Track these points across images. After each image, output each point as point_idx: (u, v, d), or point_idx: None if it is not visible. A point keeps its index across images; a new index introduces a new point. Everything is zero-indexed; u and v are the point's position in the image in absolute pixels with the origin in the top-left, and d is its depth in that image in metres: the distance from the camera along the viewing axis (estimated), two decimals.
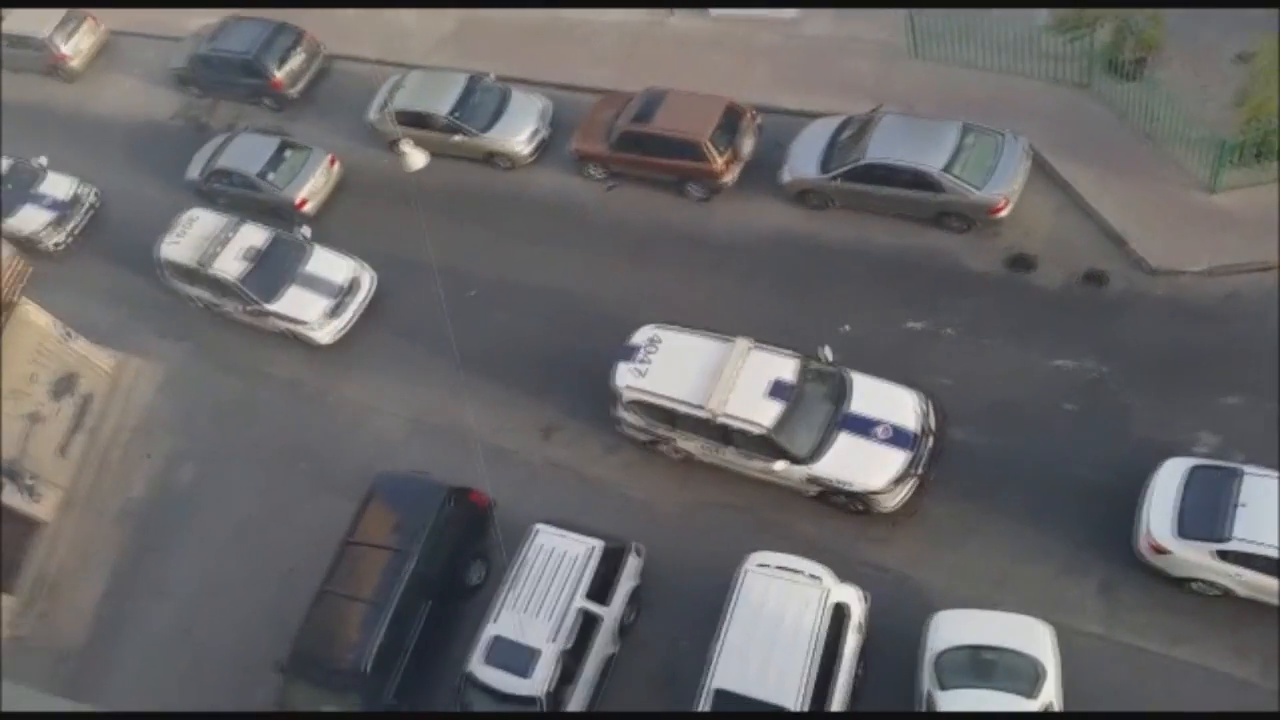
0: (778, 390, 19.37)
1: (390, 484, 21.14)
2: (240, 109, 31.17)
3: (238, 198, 27.90)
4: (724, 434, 19.58)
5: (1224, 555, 16.57)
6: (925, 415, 19.38)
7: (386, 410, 23.92)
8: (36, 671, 22.14)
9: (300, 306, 24.71)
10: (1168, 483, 17.45)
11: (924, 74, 24.98)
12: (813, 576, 17.89)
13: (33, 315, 24.38)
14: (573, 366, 22.87)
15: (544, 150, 27.05)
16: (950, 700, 16.39)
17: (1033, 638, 16.72)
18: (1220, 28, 22.80)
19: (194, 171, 28.90)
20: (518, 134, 26.72)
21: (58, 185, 29.52)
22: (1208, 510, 16.81)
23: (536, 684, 18.14)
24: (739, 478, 20.40)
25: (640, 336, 20.98)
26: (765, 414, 19.13)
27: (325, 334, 24.84)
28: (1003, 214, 21.88)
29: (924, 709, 16.71)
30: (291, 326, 24.91)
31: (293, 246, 25.44)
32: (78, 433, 25.26)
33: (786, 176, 23.85)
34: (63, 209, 29.21)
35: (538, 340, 23.71)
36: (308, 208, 27.49)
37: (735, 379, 19.49)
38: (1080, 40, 22.79)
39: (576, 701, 18.61)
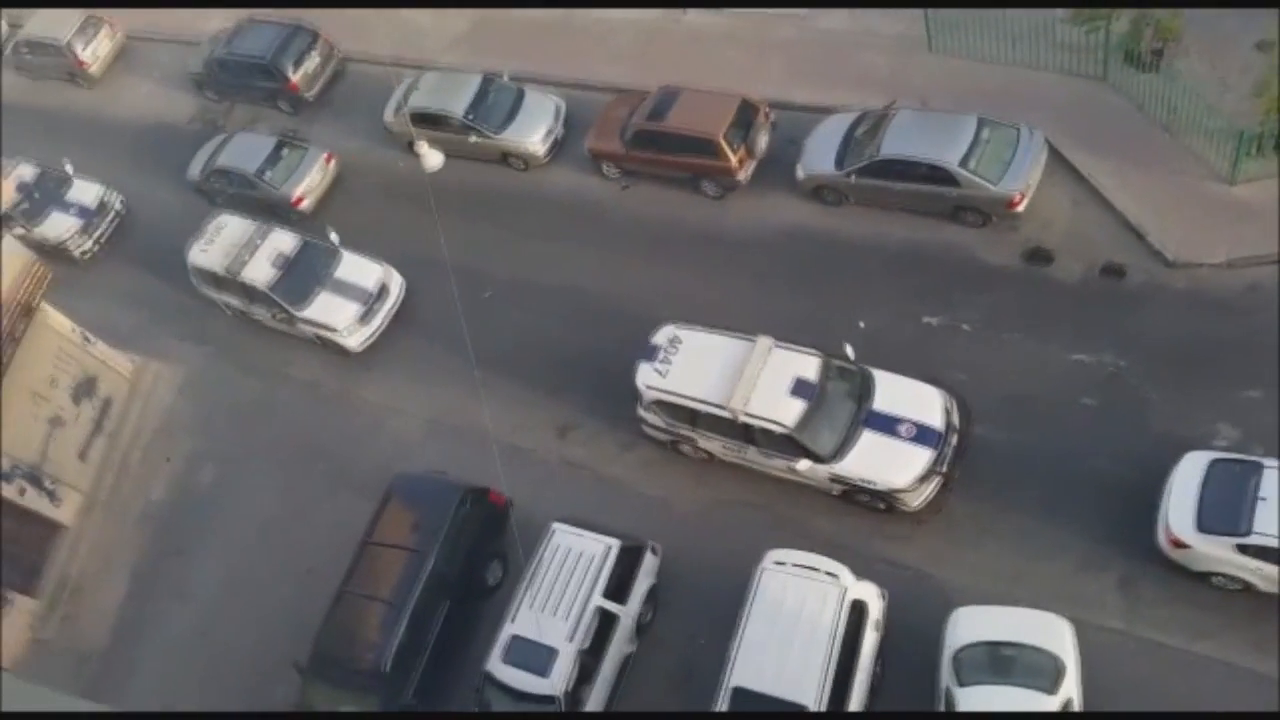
0: (800, 389, 19.28)
1: (408, 484, 21.22)
2: (257, 111, 31.35)
3: (236, 196, 28.19)
4: (746, 433, 19.52)
5: (1245, 549, 16.42)
6: (950, 412, 19.25)
7: (404, 410, 24.01)
8: (59, 673, 22.37)
9: (330, 312, 24.67)
10: (1187, 477, 17.30)
11: (939, 68, 24.85)
12: (830, 574, 17.84)
13: (52, 320, 24.56)
14: (589, 365, 22.89)
15: (559, 149, 27.06)
16: (969, 697, 16.31)
17: (1052, 633, 16.61)
18: (1240, 17, 22.52)
19: (194, 170, 29.22)
20: (532, 134, 26.75)
21: (85, 192, 29.68)
22: (1228, 504, 16.65)
23: (555, 683, 18.15)
24: (756, 476, 20.37)
25: (661, 336, 20.94)
26: (788, 413, 19.06)
27: (355, 340, 24.82)
28: (1020, 208, 21.74)
29: (943, 706, 16.65)
30: (322, 333, 24.94)
31: (322, 252, 25.39)
32: (98, 436, 25.46)
33: (802, 173, 23.79)
34: (90, 216, 29.38)
35: (553, 339, 23.74)
36: (304, 204, 27.77)
37: (757, 378, 19.41)
38: (1096, 32, 22.62)
39: (595, 700, 18.64)
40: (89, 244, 29.36)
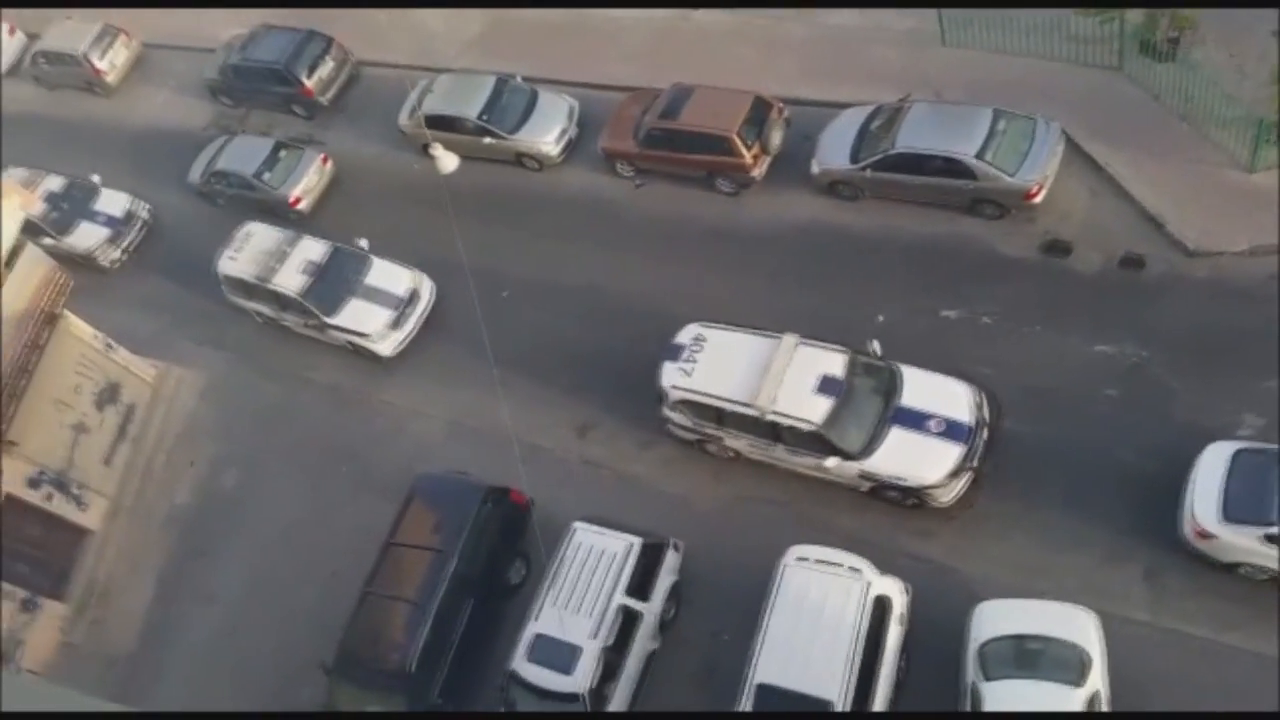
0: (827, 386, 19.20)
1: (430, 485, 21.32)
2: (272, 118, 31.55)
3: (236, 197, 28.57)
4: (773, 431, 19.47)
5: (1271, 539, 16.30)
6: (979, 407, 19.15)
7: (425, 412, 24.11)
8: (87, 677, 22.56)
9: (361, 319, 24.72)
10: (1212, 467, 17.18)
11: (952, 60, 24.77)
12: (853, 569, 17.81)
13: (75, 328, 24.76)
14: (607, 364, 22.93)
15: (573, 150, 27.13)
16: (995, 691, 16.26)
17: (1078, 626, 16.53)
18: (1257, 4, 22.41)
19: (195, 173, 29.54)
20: (546, 134, 26.82)
21: (112, 202, 29.88)
22: (1253, 494, 16.54)
23: (579, 681, 18.20)
24: (776, 472, 20.36)
25: (685, 335, 20.90)
26: (815, 410, 19.00)
27: (387, 346, 24.86)
28: (1037, 199, 21.66)
29: (969, 700, 16.59)
30: (353, 339, 25.01)
31: (352, 259, 25.46)
32: (122, 442, 25.65)
33: (816, 168, 23.76)
34: (118, 225, 29.57)
35: (571, 338, 23.80)
36: (302, 205, 28.13)
37: (783, 375, 19.35)
38: (1111, 23, 22.50)
39: (618, 698, 18.68)
40: (117, 254, 29.60)
